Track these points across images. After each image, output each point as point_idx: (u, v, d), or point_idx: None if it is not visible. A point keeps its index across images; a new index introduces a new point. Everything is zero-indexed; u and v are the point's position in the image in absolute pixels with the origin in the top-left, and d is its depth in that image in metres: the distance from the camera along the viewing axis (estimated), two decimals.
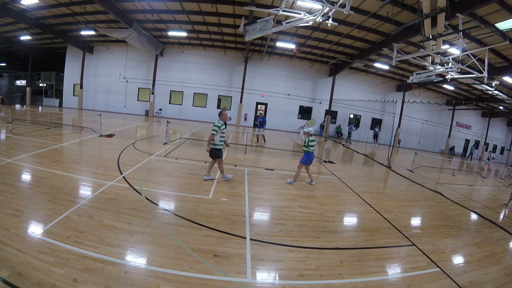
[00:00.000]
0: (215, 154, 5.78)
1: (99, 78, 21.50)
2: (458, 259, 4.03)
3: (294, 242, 3.83)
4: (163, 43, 19.45)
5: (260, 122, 13.41)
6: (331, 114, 20.99)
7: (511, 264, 4.06)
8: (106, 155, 7.50)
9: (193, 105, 21.35)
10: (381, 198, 6.72)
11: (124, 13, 13.96)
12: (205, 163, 7.73)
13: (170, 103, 21.37)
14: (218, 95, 21.19)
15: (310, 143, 6.48)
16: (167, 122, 10.88)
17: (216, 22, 14.82)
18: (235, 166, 7.81)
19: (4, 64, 25.84)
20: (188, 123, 18.94)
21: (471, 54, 10.65)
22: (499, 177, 14.74)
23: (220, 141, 5.74)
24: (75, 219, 3.70)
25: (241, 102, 20.34)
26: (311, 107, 21.87)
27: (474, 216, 6.35)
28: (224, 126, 5.75)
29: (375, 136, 19.27)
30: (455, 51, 10.72)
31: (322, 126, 21.55)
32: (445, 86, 19.56)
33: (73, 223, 3.59)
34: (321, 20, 8.44)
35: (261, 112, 13.63)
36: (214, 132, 5.56)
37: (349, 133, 19.54)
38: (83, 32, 17.60)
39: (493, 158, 24.26)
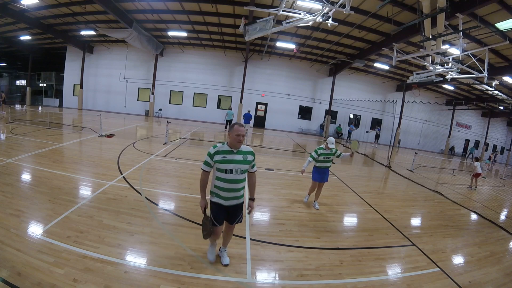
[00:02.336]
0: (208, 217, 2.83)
1: (99, 78, 21.48)
2: (458, 259, 4.03)
3: (294, 242, 3.83)
4: (163, 43, 19.45)
5: (245, 117, 15.09)
6: (331, 114, 20.99)
7: (511, 264, 4.06)
8: (106, 155, 7.50)
9: (193, 105, 21.34)
10: (381, 198, 6.72)
11: (124, 13, 13.95)
12: None
13: (170, 103, 21.36)
14: (218, 95, 21.19)
15: (320, 154, 4.97)
16: (167, 122, 10.88)
17: (216, 22, 14.82)
18: None
19: (4, 64, 25.82)
20: (188, 123, 18.94)
21: (471, 54, 10.65)
22: (499, 177, 14.75)
23: (215, 188, 2.73)
24: (75, 219, 3.70)
25: (241, 102, 20.33)
26: (311, 107, 21.88)
27: (474, 216, 6.35)
28: (232, 154, 2.65)
29: (376, 137, 19.33)
30: (455, 51, 10.72)
31: (322, 126, 21.56)
32: (445, 86, 19.55)
33: (73, 223, 3.59)
34: (321, 20, 8.44)
35: (249, 109, 17.03)
36: (206, 169, 2.70)
37: (349, 133, 19.53)
38: (83, 32, 17.59)
39: (495, 161, 24.20)
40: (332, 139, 4.89)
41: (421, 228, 5.17)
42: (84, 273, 2.65)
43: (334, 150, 4.98)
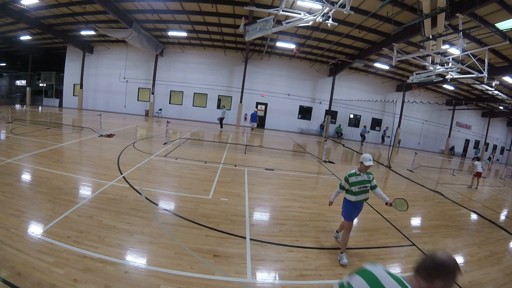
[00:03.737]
0: None
1: (99, 78, 21.48)
2: (458, 259, 4.03)
3: (294, 242, 3.83)
4: (163, 43, 19.44)
5: (252, 116, 17.22)
6: (331, 114, 20.99)
7: (511, 264, 4.06)
8: (106, 155, 7.50)
9: (193, 105, 21.34)
10: None
11: (124, 13, 13.95)
12: (205, 163, 7.73)
13: (170, 103, 21.36)
14: (218, 95, 21.19)
15: (352, 183, 3.54)
16: (167, 122, 10.88)
17: (216, 22, 14.81)
18: (235, 166, 7.81)
19: (4, 64, 25.82)
20: (188, 123, 18.94)
21: (471, 54, 10.65)
22: (499, 177, 14.74)
23: None
24: (75, 219, 3.70)
25: (241, 102, 20.34)
26: (311, 107, 21.87)
27: (474, 216, 6.35)
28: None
29: (383, 138, 19.33)
30: (455, 51, 10.72)
31: (322, 126, 21.57)
32: (445, 86, 19.54)
33: (73, 223, 3.59)
34: (321, 20, 8.44)
35: (256, 109, 19.21)
36: None
37: (362, 136, 19.09)
38: (83, 32, 17.58)
39: (497, 160, 24.16)
40: (368, 155, 3.46)
41: (421, 228, 5.17)
42: (84, 273, 2.65)
43: (371, 176, 3.67)
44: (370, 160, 3.44)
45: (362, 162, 3.46)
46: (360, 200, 3.59)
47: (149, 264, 2.95)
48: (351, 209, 3.56)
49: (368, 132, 19.72)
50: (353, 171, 3.56)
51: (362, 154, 3.63)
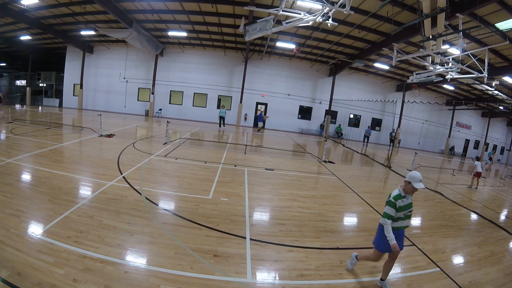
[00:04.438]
0: None
1: (99, 78, 21.49)
2: (458, 259, 4.03)
3: (294, 242, 3.83)
4: (163, 43, 19.45)
5: (258, 117, 18.59)
6: (331, 114, 20.99)
7: (511, 264, 4.05)
8: (106, 155, 7.50)
9: (193, 105, 21.34)
10: (381, 198, 6.70)
11: (124, 13, 13.95)
12: (205, 163, 7.74)
13: (170, 103, 21.37)
14: (218, 95, 21.20)
15: (399, 208, 2.79)
16: (167, 122, 10.88)
17: (216, 22, 14.82)
18: (235, 166, 7.81)
19: (4, 64, 25.82)
20: (188, 123, 18.94)
21: (471, 54, 10.65)
22: (499, 177, 14.74)
23: None
24: (75, 219, 3.70)
25: (241, 102, 20.35)
26: (311, 107, 21.88)
27: (474, 216, 6.35)
28: None
29: (391, 140, 19.35)
30: (455, 51, 10.72)
31: (322, 126, 21.57)
32: (445, 86, 19.55)
33: (73, 223, 3.59)
34: (321, 20, 8.44)
35: (261, 110, 20.10)
36: None
37: (366, 137, 19.17)
38: (83, 32, 17.59)
39: (498, 160, 24.07)
40: (419, 175, 2.76)
41: (421, 228, 5.17)
42: (84, 273, 2.65)
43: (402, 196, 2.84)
44: (421, 181, 2.73)
45: (410, 183, 2.76)
46: (404, 227, 2.92)
47: (149, 264, 2.95)
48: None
49: (370, 133, 19.77)
50: (397, 192, 2.84)
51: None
